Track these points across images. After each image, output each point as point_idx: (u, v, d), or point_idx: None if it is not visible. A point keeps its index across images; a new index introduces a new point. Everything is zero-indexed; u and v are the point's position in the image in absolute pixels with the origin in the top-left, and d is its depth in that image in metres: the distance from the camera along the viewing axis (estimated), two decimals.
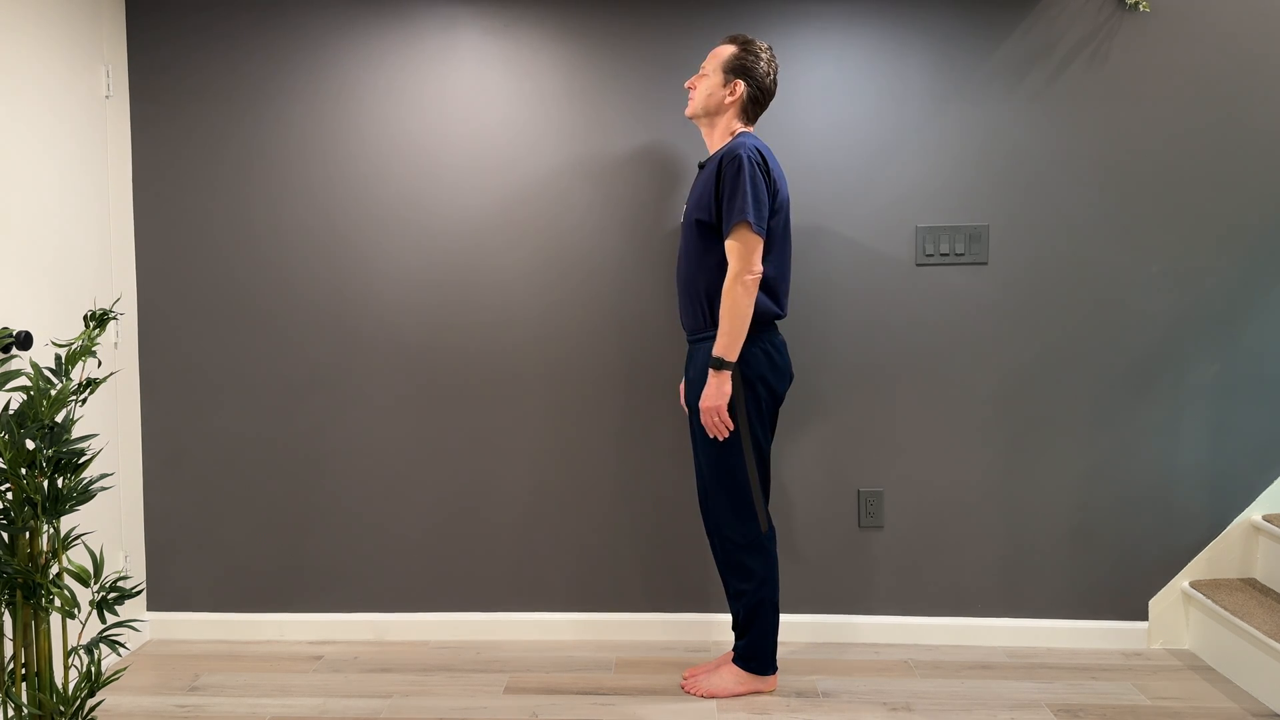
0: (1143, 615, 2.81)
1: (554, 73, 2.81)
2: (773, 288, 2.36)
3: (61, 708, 1.93)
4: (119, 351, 2.84)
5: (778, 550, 2.48)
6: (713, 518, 2.46)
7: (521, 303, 2.83)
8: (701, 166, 2.40)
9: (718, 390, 2.32)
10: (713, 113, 2.42)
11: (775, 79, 2.42)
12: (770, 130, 2.77)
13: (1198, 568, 2.78)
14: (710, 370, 2.32)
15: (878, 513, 2.84)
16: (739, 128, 2.42)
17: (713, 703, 2.46)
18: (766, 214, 2.27)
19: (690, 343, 2.46)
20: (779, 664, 2.63)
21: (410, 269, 2.84)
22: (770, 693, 2.50)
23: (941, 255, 2.76)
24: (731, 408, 2.34)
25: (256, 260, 2.86)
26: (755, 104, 2.42)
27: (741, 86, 2.39)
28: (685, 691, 2.52)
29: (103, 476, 2.02)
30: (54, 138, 2.54)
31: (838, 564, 2.86)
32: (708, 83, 2.42)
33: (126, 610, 2.85)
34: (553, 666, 2.70)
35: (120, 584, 2.59)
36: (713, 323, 2.37)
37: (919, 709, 2.40)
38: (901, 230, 2.77)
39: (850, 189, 2.77)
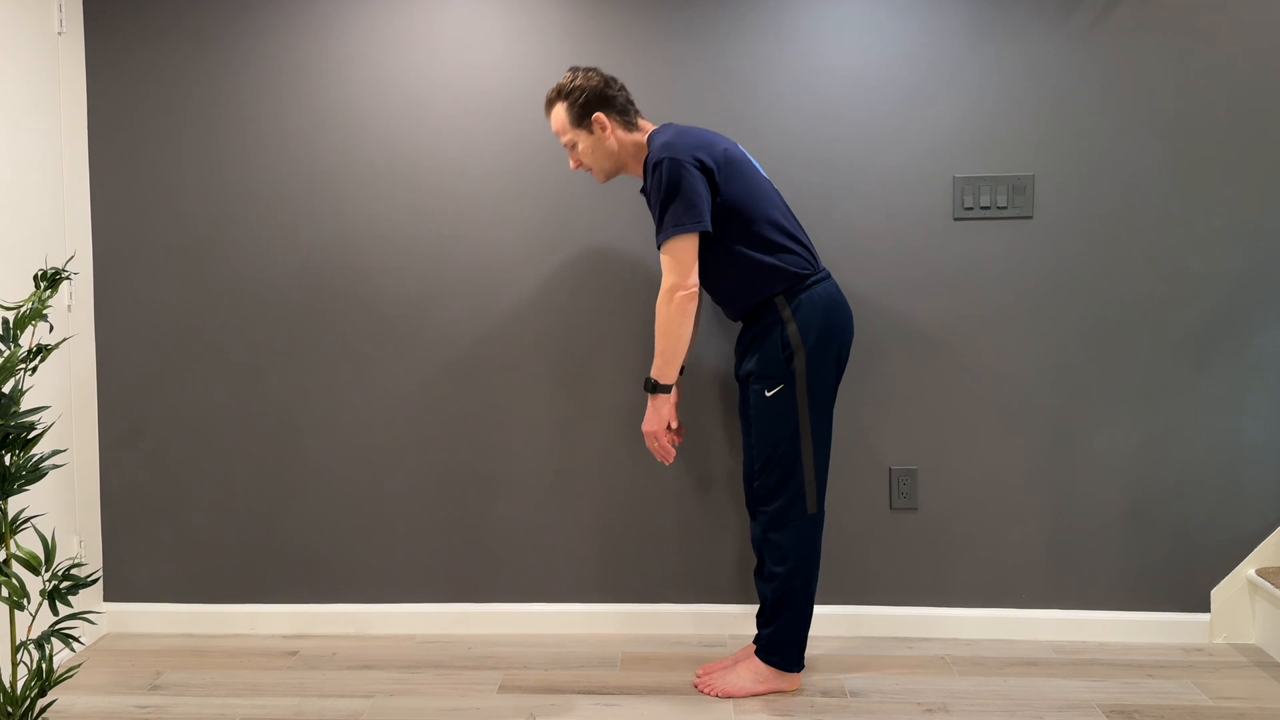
0: (1204, 606, 2.78)
1: (554, 7, 2.78)
2: (776, 242, 2.34)
3: (9, 709, 1.91)
4: (73, 315, 2.82)
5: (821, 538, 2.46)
6: (756, 493, 2.45)
7: (519, 264, 2.82)
8: (644, 191, 2.41)
9: (655, 414, 2.38)
10: (614, 159, 2.44)
11: (602, 74, 2.41)
12: (791, 71, 2.73)
13: (1265, 554, 2.76)
14: (651, 396, 2.38)
15: (911, 493, 2.82)
16: (639, 138, 2.43)
17: (729, 704, 2.44)
18: (704, 204, 2.27)
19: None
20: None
21: (395, 226, 2.83)
22: (793, 692, 2.47)
23: (981, 209, 2.73)
24: (780, 380, 2.33)
25: (225, 215, 2.85)
26: (623, 110, 2.42)
27: (601, 117, 2.39)
28: (698, 691, 2.50)
29: (55, 453, 1.99)
30: (0, 78, 2.50)
31: (867, 550, 2.84)
32: (583, 146, 2.43)
33: (81, 601, 2.83)
34: (552, 663, 2.68)
35: (74, 572, 2.51)
36: (753, 305, 2.38)
37: (956, 710, 2.37)
38: (937, 181, 2.75)
39: (880, 136, 2.75)
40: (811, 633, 2.73)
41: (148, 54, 2.83)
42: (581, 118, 2.39)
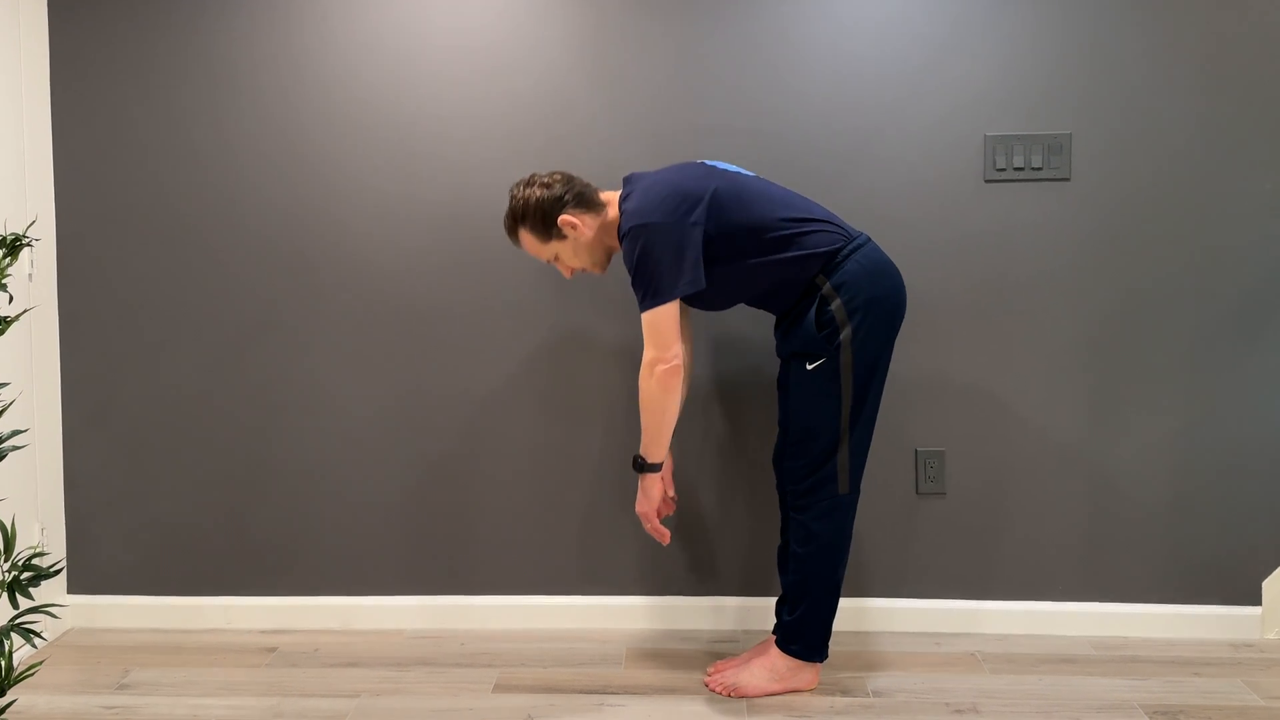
0: (1254, 599, 2.75)
1: None
2: (793, 234, 2.30)
3: None
4: (34, 285, 2.80)
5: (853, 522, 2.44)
6: (786, 470, 2.43)
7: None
8: None
9: (644, 495, 2.40)
10: (600, 247, 2.45)
11: (543, 177, 2.40)
12: (809, 22, 2.68)
13: None
14: (640, 475, 2.40)
15: (939, 477, 2.78)
16: (610, 212, 2.42)
17: (742, 704, 2.41)
18: (683, 264, 2.25)
19: None
20: None
21: (381, 194, 2.80)
22: (812, 691, 2.44)
23: (1015, 170, 2.68)
24: (824, 354, 2.29)
25: (198, 179, 2.82)
26: (583, 199, 2.40)
27: (568, 218, 2.38)
28: (710, 690, 2.47)
29: (15, 434, 1.93)
30: None
31: (891, 537, 2.82)
32: (566, 253, 2.43)
33: (43, 593, 2.78)
34: (551, 660, 2.66)
35: (35, 562, 2.32)
36: (796, 297, 2.35)
37: (988, 711, 2.34)
38: (968, 141, 2.70)
39: (906, 92, 2.70)
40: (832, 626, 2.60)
41: (113, 7, 2.78)
42: (549, 230, 2.39)
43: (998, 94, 2.68)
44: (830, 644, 2.54)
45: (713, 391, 2.79)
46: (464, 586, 2.90)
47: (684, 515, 2.80)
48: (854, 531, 2.63)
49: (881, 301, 2.30)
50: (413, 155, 2.77)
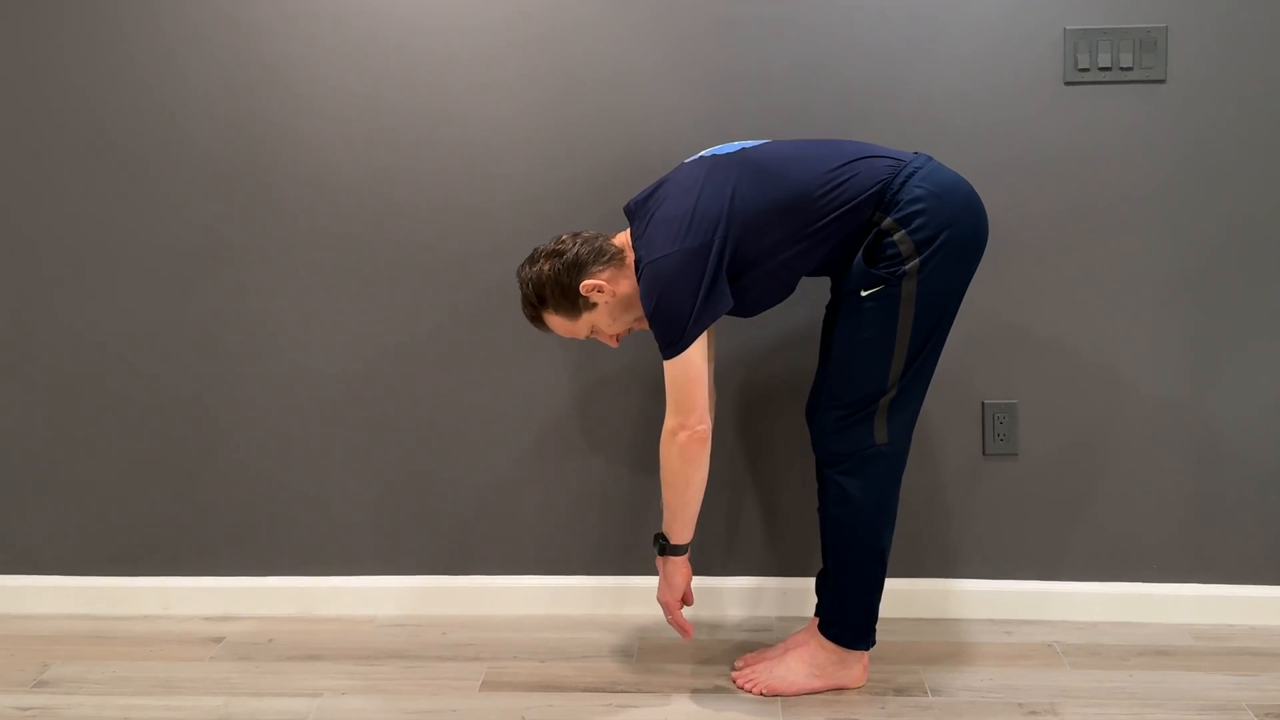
0: None
1: None
2: (830, 193, 2.19)
3: None
4: None
5: (900, 484, 2.34)
6: (818, 420, 2.33)
7: (509, 144, 2.70)
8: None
9: (666, 582, 2.35)
10: (634, 307, 2.36)
11: (548, 247, 2.34)
12: None
13: None
14: (660, 559, 2.36)
15: (1010, 435, 2.68)
16: (628, 261, 2.34)
17: (776, 704, 2.29)
18: (699, 305, 2.17)
19: None
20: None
21: (348, 95, 2.70)
22: (858, 688, 2.33)
23: (1101, 70, 2.57)
24: (882, 282, 2.16)
25: (129, 78, 2.73)
26: (600, 255, 2.34)
27: (590, 283, 2.30)
28: (737, 687, 2.37)
29: None
30: None
31: (952, 507, 2.74)
32: (602, 321, 2.36)
33: None
34: (549, 653, 2.58)
35: None
36: (853, 249, 2.23)
37: (1067, 713, 2.22)
38: (1044, 35, 2.59)
39: None
40: (883, 612, 2.52)
41: None
42: (575, 304, 2.33)
43: None
44: (880, 632, 2.45)
45: (741, 339, 2.70)
46: (446, 565, 2.85)
47: (715, 483, 2.62)
48: (908, 500, 2.60)
49: (958, 226, 2.18)
50: (385, 48, 2.70)
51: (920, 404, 2.30)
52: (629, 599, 2.82)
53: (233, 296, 2.80)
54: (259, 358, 2.81)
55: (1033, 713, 2.23)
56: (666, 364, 2.21)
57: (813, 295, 2.47)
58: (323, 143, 2.72)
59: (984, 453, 2.73)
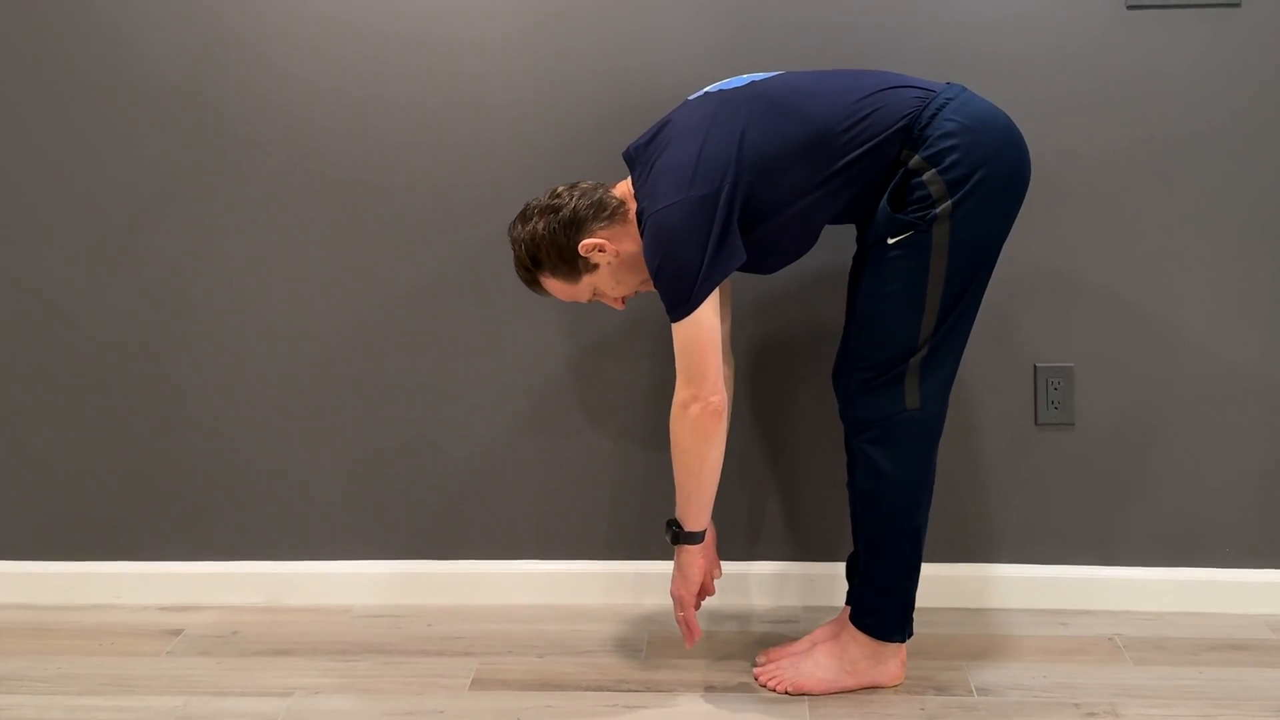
0: None
1: None
2: (852, 129, 2.12)
3: None
4: None
5: (936, 455, 2.27)
6: (844, 384, 2.27)
7: (500, 71, 2.62)
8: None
9: (681, 575, 2.28)
10: (640, 267, 2.27)
11: (542, 201, 2.27)
12: None
13: None
14: (675, 547, 2.31)
15: (1066, 403, 2.60)
16: (629, 215, 2.28)
17: (803, 704, 2.21)
18: (708, 246, 2.11)
19: None
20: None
21: (323, 17, 2.63)
22: (894, 686, 2.26)
23: None
24: (911, 227, 2.09)
25: (74, 6, 2.66)
26: (601, 210, 2.27)
27: (593, 242, 2.23)
28: (760, 685, 2.29)
29: None
30: None
31: (1000, 483, 2.68)
32: (605, 283, 2.31)
33: None
34: (548, 647, 2.51)
35: None
36: (880, 193, 2.17)
37: (1129, 714, 2.14)
38: None
39: None
40: (922, 601, 2.46)
41: None
42: (574, 266, 2.26)
43: None
44: (918, 623, 2.34)
45: (759, 297, 2.66)
46: (432, 548, 2.79)
47: (733, 459, 2.60)
48: (949, 475, 2.58)
49: (995, 164, 2.10)
50: None
51: (956, 365, 2.24)
52: (638, 588, 2.78)
53: (192, 245, 2.74)
54: (222, 315, 2.75)
55: (1091, 714, 2.17)
56: (675, 327, 2.15)
57: (839, 243, 2.38)
58: (294, 71, 2.66)
59: (1036, 422, 2.66)
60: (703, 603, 2.35)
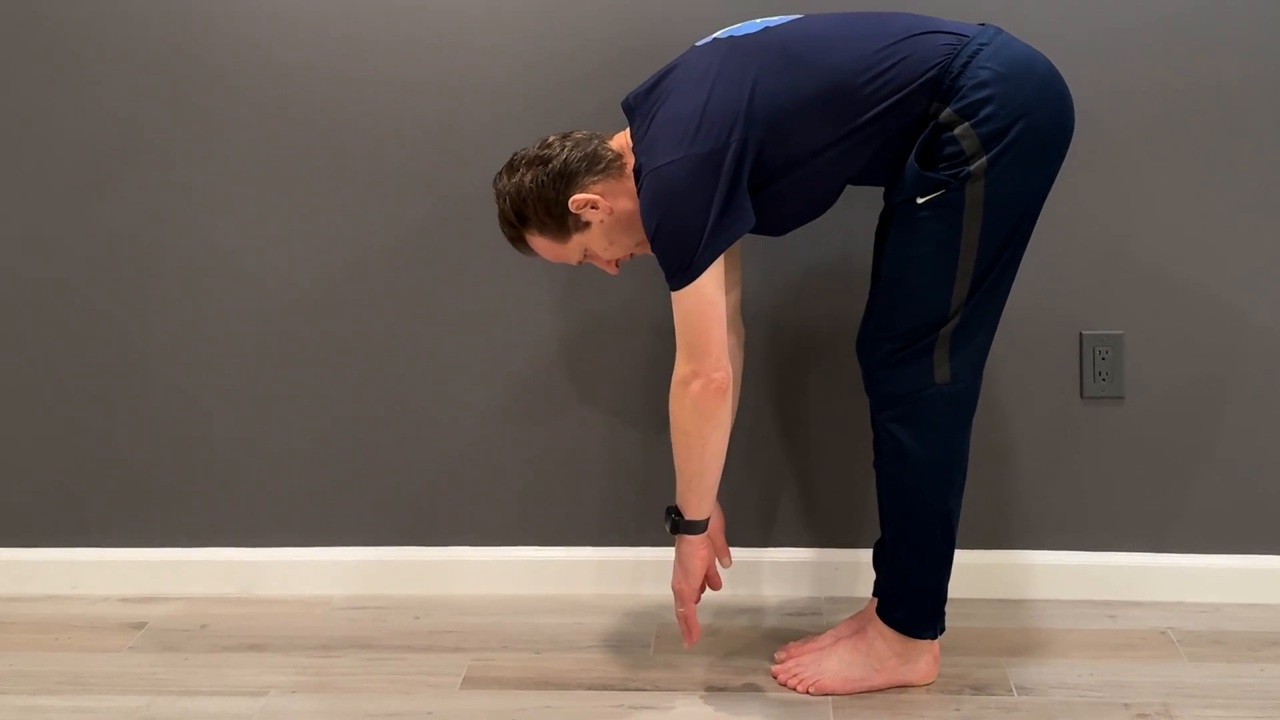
0: None
1: None
2: (876, 79, 2.05)
3: None
4: None
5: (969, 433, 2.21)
6: (868, 356, 2.20)
7: (491, 8, 2.55)
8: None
9: (681, 567, 2.23)
10: (636, 227, 2.20)
11: (531, 152, 2.21)
12: None
13: None
14: (675, 537, 2.25)
15: (1115, 374, 2.52)
16: (625, 169, 2.21)
17: (826, 704, 2.15)
18: (712, 208, 2.05)
19: None
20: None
21: None
22: (926, 685, 2.20)
23: None
24: (942, 186, 2.02)
25: None
26: (594, 162, 2.20)
27: (585, 198, 2.16)
28: (779, 684, 2.22)
29: None
30: None
31: (1042, 461, 2.61)
32: (597, 243, 2.23)
33: None
34: (546, 642, 2.46)
35: None
36: (908, 147, 2.09)
37: (1185, 715, 2.09)
38: None
39: None
40: (956, 592, 2.37)
41: None
42: (563, 223, 2.20)
43: None
44: (952, 616, 2.28)
45: (771, 261, 2.60)
46: (419, 534, 2.72)
47: (738, 431, 2.47)
48: (984, 454, 2.52)
49: (1034, 115, 2.02)
50: None
51: (991, 336, 2.18)
52: (645, 578, 2.69)
53: (156, 200, 2.66)
54: (187, 277, 2.67)
55: (1142, 715, 2.10)
56: (674, 296, 2.09)
57: (861, 202, 2.30)
58: (267, 8, 2.59)
59: (1081, 395, 2.57)
60: (702, 595, 2.31)
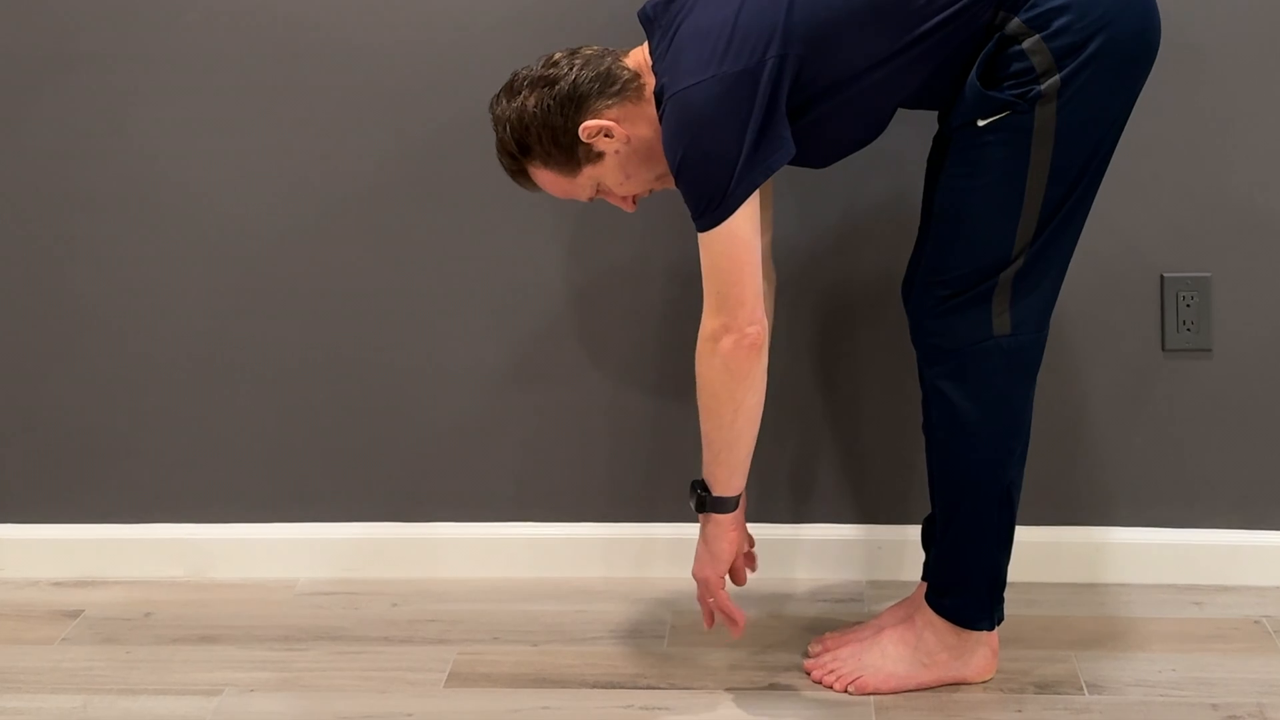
0: None
1: None
2: None
3: None
4: None
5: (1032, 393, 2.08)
6: (917, 301, 2.09)
7: None
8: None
9: (706, 550, 2.13)
10: (657, 157, 2.08)
11: (534, 72, 2.10)
12: None
13: None
14: (700, 516, 2.16)
15: (1201, 324, 2.39)
16: (645, 91, 2.09)
17: (868, 704, 2.02)
18: (746, 136, 1.93)
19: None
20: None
21: None
22: (983, 683, 2.06)
23: None
24: (1008, 107, 1.92)
25: None
26: (607, 80, 2.08)
27: (597, 124, 2.03)
28: (813, 681, 2.08)
29: None
30: None
31: (1117, 424, 2.47)
32: (612, 177, 2.11)
33: None
34: (543, 634, 2.35)
35: None
36: (964, 67, 1.99)
37: None
38: None
39: None
40: (1016, 576, 2.24)
41: None
42: (572, 154, 2.08)
43: None
44: (1012, 604, 2.14)
45: (807, 197, 2.47)
46: (397, 509, 2.59)
47: (772, 395, 2.29)
48: (1048, 418, 2.36)
49: (1115, 27, 1.89)
50: None
51: (1060, 281, 2.04)
52: (658, 559, 2.56)
53: (92, 120, 2.51)
54: (130, 211, 2.53)
55: (1232, 717, 1.97)
56: (702, 239, 1.97)
57: (914, 129, 2.16)
58: None
59: (1163, 348, 2.41)
60: (753, 567, 2.23)
